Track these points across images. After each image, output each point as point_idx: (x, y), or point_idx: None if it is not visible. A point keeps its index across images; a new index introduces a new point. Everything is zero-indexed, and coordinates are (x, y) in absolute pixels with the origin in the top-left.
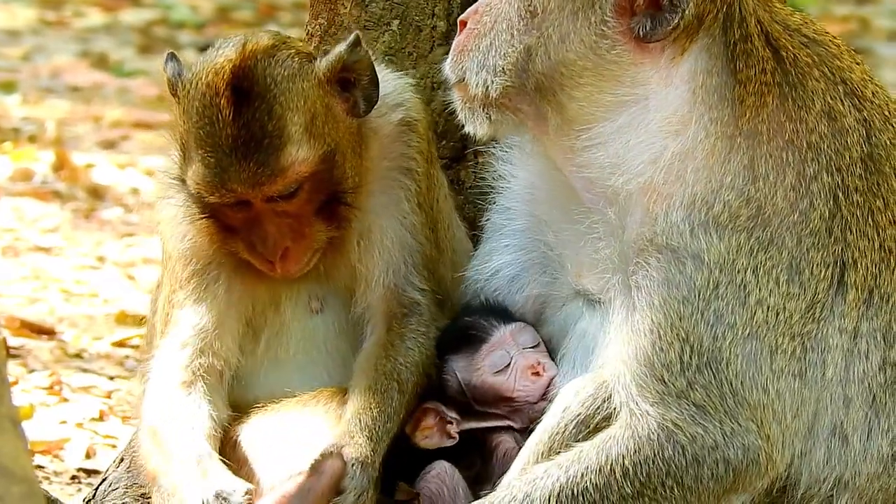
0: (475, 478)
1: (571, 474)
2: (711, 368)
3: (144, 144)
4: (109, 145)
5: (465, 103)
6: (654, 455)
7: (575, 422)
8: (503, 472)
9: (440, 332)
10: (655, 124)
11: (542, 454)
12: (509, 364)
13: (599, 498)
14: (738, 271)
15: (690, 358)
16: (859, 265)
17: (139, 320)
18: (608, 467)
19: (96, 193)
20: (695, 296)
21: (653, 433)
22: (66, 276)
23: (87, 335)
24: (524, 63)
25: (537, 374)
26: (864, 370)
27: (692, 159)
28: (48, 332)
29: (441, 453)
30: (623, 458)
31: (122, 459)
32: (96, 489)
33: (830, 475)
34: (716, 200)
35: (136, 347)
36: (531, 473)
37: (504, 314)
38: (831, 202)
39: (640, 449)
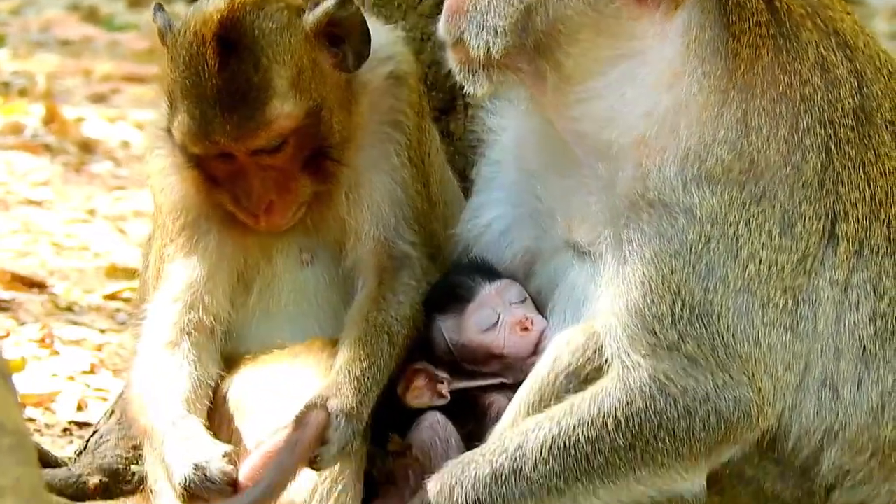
0: (468, 436)
1: (563, 426)
2: (703, 321)
3: (134, 98)
4: (99, 99)
5: (464, 65)
6: (647, 407)
7: (566, 373)
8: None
9: (427, 292)
10: (650, 78)
11: (533, 405)
12: (497, 322)
13: (592, 450)
14: (731, 225)
15: (682, 311)
16: (850, 217)
17: (130, 273)
18: (600, 419)
19: (86, 147)
20: (687, 249)
21: (644, 385)
22: (57, 229)
23: (77, 288)
24: (524, 22)
25: (526, 329)
26: (854, 322)
27: (685, 113)
28: (39, 286)
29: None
30: (615, 410)
31: (112, 412)
32: (87, 441)
33: (820, 427)
34: (708, 155)
35: (127, 300)
36: (523, 425)
37: (490, 272)
38: (824, 155)
39: (632, 401)
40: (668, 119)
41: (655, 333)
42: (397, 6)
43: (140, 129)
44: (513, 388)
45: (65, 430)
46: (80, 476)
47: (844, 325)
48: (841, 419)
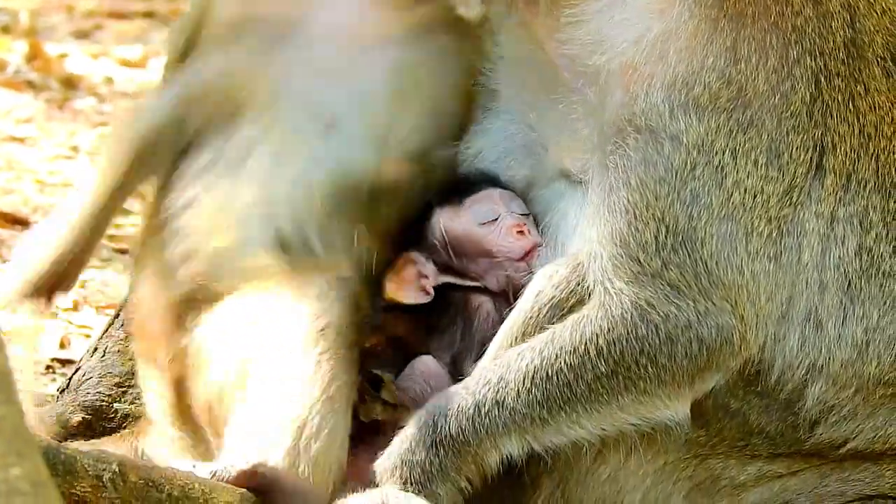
0: (456, 355)
1: (545, 355)
2: (686, 248)
3: (118, 34)
4: (83, 35)
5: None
6: (628, 333)
7: (549, 305)
8: (484, 336)
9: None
10: (641, 3)
11: (517, 338)
12: (496, 219)
13: (574, 378)
14: (717, 153)
15: (666, 238)
16: (838, 150)
17: None
18: (582, 347)
19: (70, 83)
20: (672, 176)
21: (626, 312)
22: (40, 166)
23: None
24: None
25: (522, 233)
26: (839, 255)
27: (675, 40)
28: (22, 223)
29: (417, 311)
30: (597, 336)
31: (95, 349)
32: (70, 379)
33: (804, 361)
34: (696, 82)
35: (110, 237)
36: (505, 357)
37: (496, 182)
38: (813, 86)
39: (613, 327)
40: (658, 45)
41: (639, 261)
42: None
43: (124, 66)
44: (497, 296)
45: (48, 367)
46: (62, 414)
47: (830, 258)
48: (825, 354)
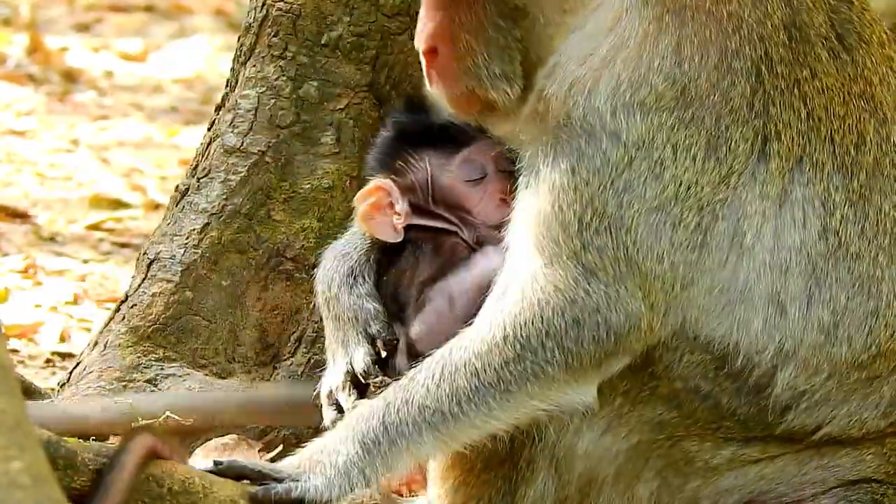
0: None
1: (454, 348)
2: (610, 232)
3: (118, 27)
4: (83, 28)
5: (484, 107)
6: (534, 317)
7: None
8: (457, 272)
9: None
10: (591, 29)
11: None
12: (483, 179)
13: (481, 366)
14: (657, 148)
15: (591, 220)
16: (783, 136)
17: (113, 203)
18: (490, 335)
19: (70, 76)
20: (607, 168)
21: (535, 294)
22: (40, 159)
23: (61, 218)
24: (524, 55)
25: (504, 201)
26: (801, 239)
27: (624, 49)
28: (22, 216)
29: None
30: (504, 322)
31: (96, 343)
32: (71, 373)
33: (770, 345)
34: (642, 84)
35: (110, 231)
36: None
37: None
38: (753, 78)
39: (520, 312)
40: (608, 57)
41: (558, 242)
42: None
43: (124, 59)
44: (468, 243)
45: (48, 360)
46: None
47: (788, 240)
48: (792, 338)
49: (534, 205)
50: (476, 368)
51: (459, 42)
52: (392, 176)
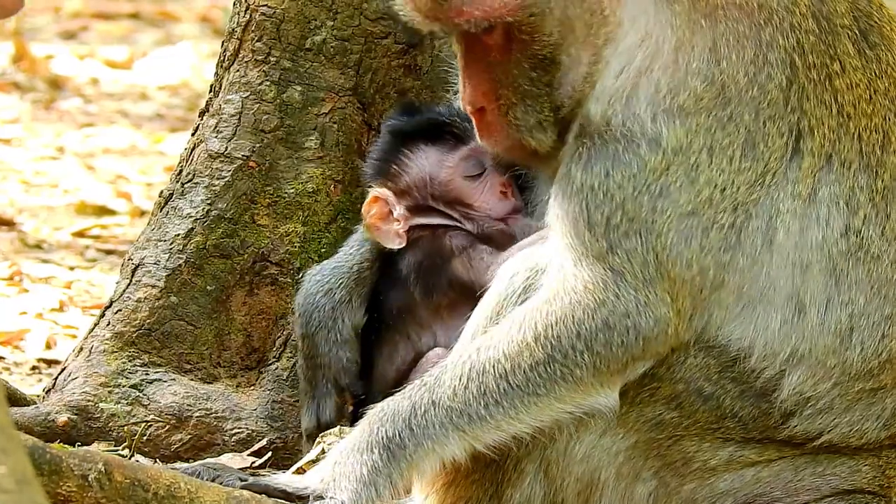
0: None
1: (481, 347)
2: (641, 236)
3: (104, 35)
4: (69, 36)
5: (527, 154)
6: (565, 317)
7: (523, 287)
8: (467, 270)
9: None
10: (630, 44)
11: (491, 319)
12: (482, 174)
13: (510, 367)
14: (694, 152)
15: (620, 221)
16: (816, 133)
17: (99, 210)
18: (520, 335)
19: (56, 84)
20: (644, 174)
21: (567, 294)
22: (26, 166)
23: (46, 225)
24: (555, 101)
25: (505, 193)
26: (823, 236)
27: (659, 57)
28: (8, 223)
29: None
30: (535, 322)
31: (81, 348)
32: (56, 379)
33: (786, 346)
34: (682, 88)
35: (96, 237)
36: (446, 359)
37: None
38: (788, 69)
39: (551, 313)
40: (643, 66)
41: (585, 242)
42: None
43: (110, 66)
44: (472, 235)
45: (33, 367)
46: (48, 414)
47: (811, 239)
48: (808, 340)
49: (564, 207)
50: (505, 370)
51: (501, 99)
52: (388, 183)
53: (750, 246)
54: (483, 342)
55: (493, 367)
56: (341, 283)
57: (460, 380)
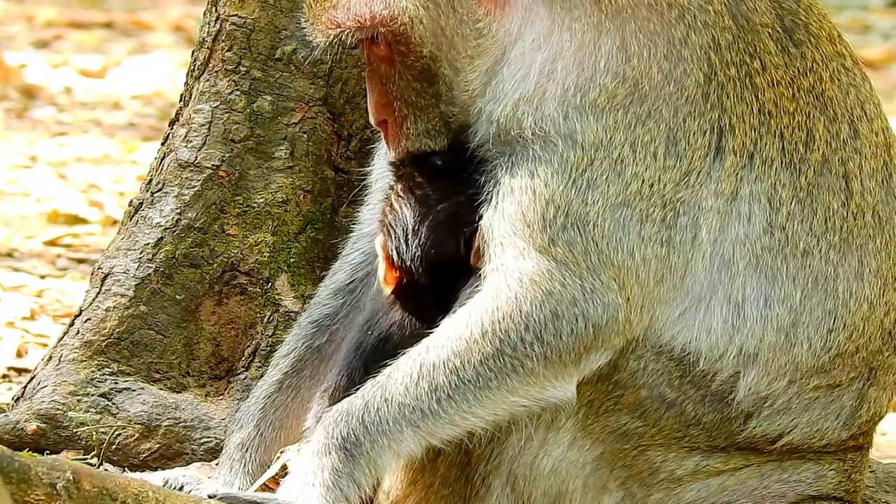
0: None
1: (431, 346)
2: (577, 228)
3: (77, 44)
4: (42, 45)
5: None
6: (512, 311)
7: None
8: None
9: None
10: (523, 51)
11: None
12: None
13: (460, 363)
14: (616, 147)
15: (555, 217)
16: (737, 131)
17: (71, 219)
18: (468, 332)
19: (29, 93)
20: (566, 169)
21: (511, 289)
22: None
23: (18, 234)
24: (443, 110)
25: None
26: (745, 234)
27: (560, 59)
28: None
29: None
30: (482, 318)
31: (50, 357)
32: (25, 387)
33: (731, 345)
34: (590, 86)
35: (67, 246)
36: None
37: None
38: (705, 66)
39: (498, 307)
40: (545, 70)
41: (525, 237)
42: None
43: (83, 76)
44: None
45: (4, 376)
46: (17, 422)
47: (733, 236)
48: (752, 338)
49: (499, 210)
50: (455, 366)
51: (396, 111)
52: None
53: (680, 244)
54: (431, 341)
55: (444, 363)
56: (268, 385)
57: (411, 377)
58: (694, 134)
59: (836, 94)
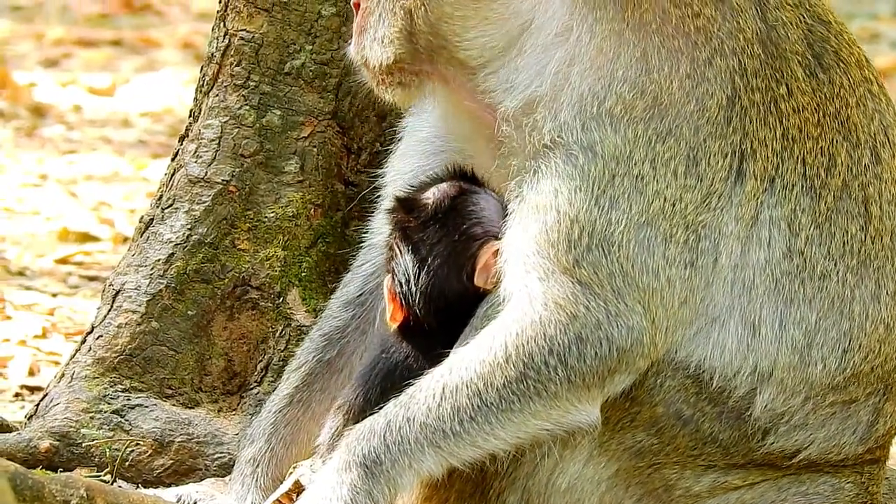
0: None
1: (454, 367)
2: (602, 249)
3: (86, 62)
4: (51, 63)
5: (373, 79)
6: (536, 334)
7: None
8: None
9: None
10: (542, 41)
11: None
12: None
13: (483, 386)
14: (636, 163)
15: (580, 237)
16: (759, 155)
17: (82, 237)
18: (492, 355)
19: (38, 111)
20: (588, 185)
21: (536, 312)
22: (9, 193)
23: (29, 252)
24: (409, 27)
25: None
26: (765, 258)
27: (577, 63)
28: None
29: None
30: (506, 343)
31: (62, 374)
32: (38, 405)
33: (745, 364)
34: (607, 95)
35: (79, 264)
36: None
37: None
38: (729, 88)
39: (522, 330)
40: (561, 71)
41: (549, 258)
42: None
43: (92, 94)
44: None
45: (17, 394)
46: (30, 440)
47: (754, 261)
48: (767, 358)
49: (523, 228)
50: (478, 388)
51: (370, 0)
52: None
53: (702, 267)
54: (454, 362)
55: (467, 385)
56: (270, 416)
57: (434, 397)
58: (714, 155)
59: (860, 120)
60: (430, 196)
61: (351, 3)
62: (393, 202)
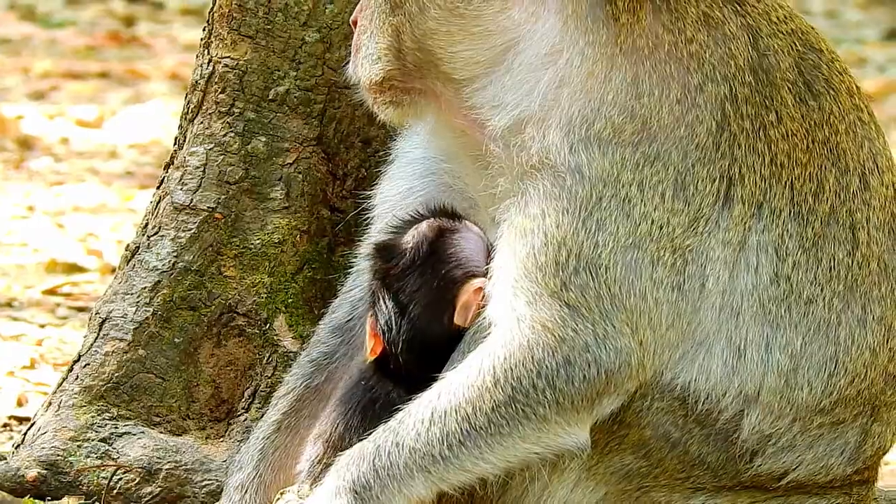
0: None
1: (442, 393)
2: (590, 272)
3: (73, 94)
4: (39, 96)
5: (368, 96)
6: (524, 358)
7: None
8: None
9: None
10: (530, 60)
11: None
12: None
13: (472, 410)
14: (623, 185)
15: (567, 260)
16: (747, 180)
17: (69, 268)
18: (479, 379)
19: (26, 144)
20: (575, 207)
21: (523, 337)
22: None
23: (17, 284)
24: (396, 43)
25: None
26: (752, 283)
27: (567, 85)
28: None
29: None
30: (494, 367)
31: (50, 403)
32: (25, 434)
33: (731, 388)
34: (596, 117)
35: (67, 295)
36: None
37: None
38: (719, 115)
39: (510, 355)
40: (550, 93)
41: (537, 281)
42: None
43: (80, 126)
44: None
45: (5, 425)
46: (17, 469)
47: (740, 285)
48: (753, 381)
49: (511, 250)
50: (467, 413)
51: (365, 19)
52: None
53: (689, 290)
54: (443, 387)
55: (455, 409)
56: (255, 448)
57: (422, 422)
58: (703, 180)
59: (849, 147)
60: (409, 240)
61: (350, 21)
62: (372, 250)
